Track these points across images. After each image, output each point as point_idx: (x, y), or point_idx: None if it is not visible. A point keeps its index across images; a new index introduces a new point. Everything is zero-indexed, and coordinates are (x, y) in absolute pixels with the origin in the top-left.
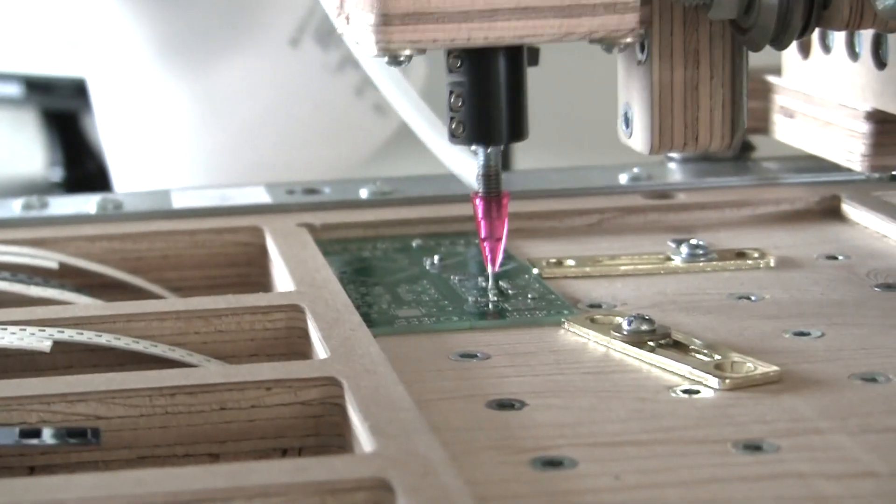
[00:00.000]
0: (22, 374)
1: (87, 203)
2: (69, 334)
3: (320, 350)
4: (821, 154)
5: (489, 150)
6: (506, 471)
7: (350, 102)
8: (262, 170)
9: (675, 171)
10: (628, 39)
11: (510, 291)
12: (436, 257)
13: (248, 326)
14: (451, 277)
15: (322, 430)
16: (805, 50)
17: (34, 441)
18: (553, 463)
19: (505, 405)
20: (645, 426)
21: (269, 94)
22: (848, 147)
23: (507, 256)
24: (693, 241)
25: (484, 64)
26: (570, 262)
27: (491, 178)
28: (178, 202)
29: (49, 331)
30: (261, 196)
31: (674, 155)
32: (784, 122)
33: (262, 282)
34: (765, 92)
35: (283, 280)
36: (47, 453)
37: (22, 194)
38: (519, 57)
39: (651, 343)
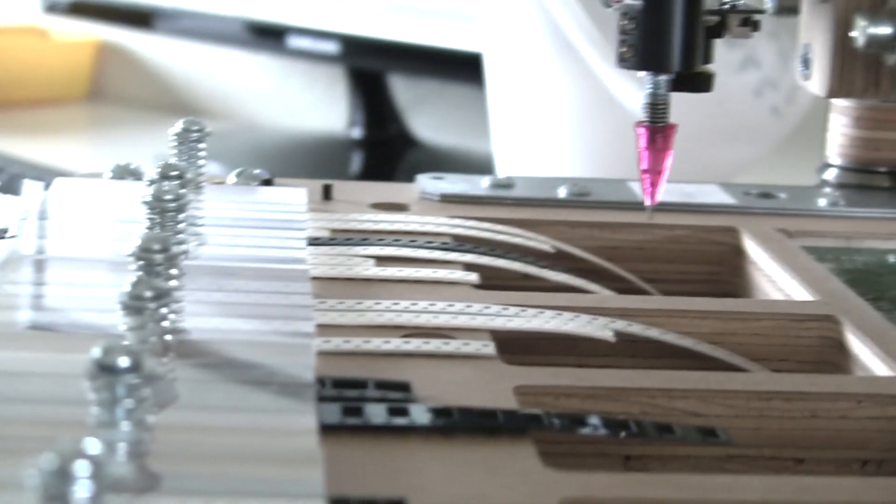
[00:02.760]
0: (565, 357)
1: (553, 186)
2: (621, 325)
3: (873, 365)
4: None
5: (658, 78)
6: None
7: (749, 103)
8: None
9: None
10: None
11: None
12: None
13: (783, 332)
14: None
15: None
16: None
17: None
18: None
19: None
20: None
21: None
22: None
23: None
24: None
25: None
26: None
27: (658, 106)
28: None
29: (602, 320)
30: (721, 195)
31: None
32: None
33: (732, 281)
34: None
35: (779, 286)
36: (642, 444)
37: (324, 150)
38: None
39: None
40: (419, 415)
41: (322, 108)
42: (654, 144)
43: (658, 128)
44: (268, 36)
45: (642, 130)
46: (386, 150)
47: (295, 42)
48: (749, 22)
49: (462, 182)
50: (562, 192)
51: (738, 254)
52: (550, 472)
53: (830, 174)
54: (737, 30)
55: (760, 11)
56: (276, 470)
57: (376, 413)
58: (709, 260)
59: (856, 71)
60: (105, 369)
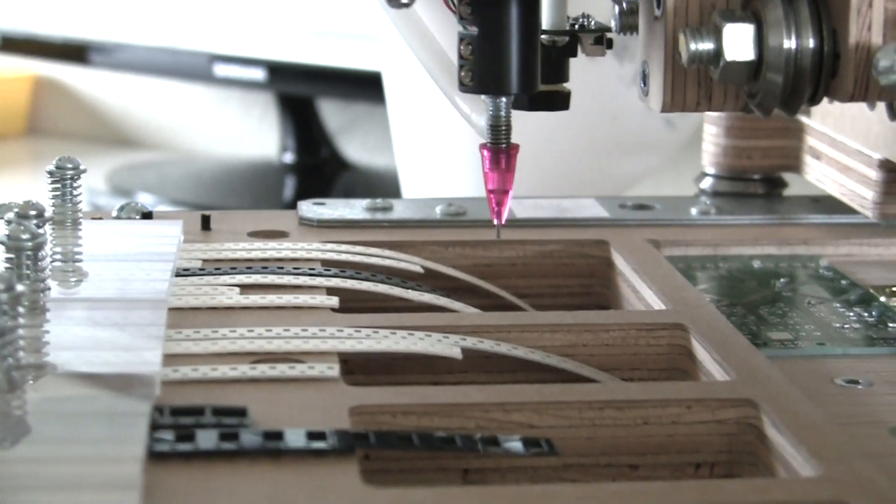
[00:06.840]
0: (422, 375)
1: (431, 207)
2: (472, 342)
3: (714, 370)
4: (840, 197)
5: (499, 100)
6: None
7: (643, 115)
8: (555, 178)
9: None
10: None
11: (869, 319)
12: (782, 280)
13: (633, 342)
14: (807, 301)
15: (734, 447)
16: None
17: (498, 449)
18: None
19: None
20: None
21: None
22: (861, 193)
23: (851, 283)
24: None
25: (495, 12)
26: None
27: (500, 128)
28: (520, 212)
29: (453, 338)
30: (595, 209)
31: None
32: (812, 163)
33: (603, 293)
34: (797, 131)
35: (641, 296)
36: (481, 458)
37: (258, 176)
38: (533, 6)
39: None
40: (249, 439)
41: (257, 134)
42: (498, 165)
43: (501, 149)
44: (196, 65)
45: (486, 153)
46: (318, 174)
47: (222, 70)
48: (602, 40)
49: (342, 207)
50: (437, 213)
51: (609, 266)
52: (369, 489)
53: (706, 183)
54: (590, 48)
55: (608, 30)
56: (96, 497)
57: (207, 438)
58: (581, 273)
59: (687, 86)
60: None
